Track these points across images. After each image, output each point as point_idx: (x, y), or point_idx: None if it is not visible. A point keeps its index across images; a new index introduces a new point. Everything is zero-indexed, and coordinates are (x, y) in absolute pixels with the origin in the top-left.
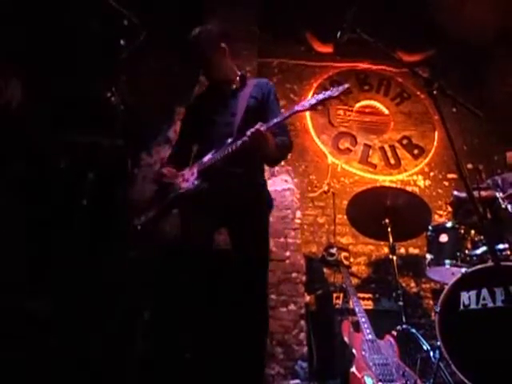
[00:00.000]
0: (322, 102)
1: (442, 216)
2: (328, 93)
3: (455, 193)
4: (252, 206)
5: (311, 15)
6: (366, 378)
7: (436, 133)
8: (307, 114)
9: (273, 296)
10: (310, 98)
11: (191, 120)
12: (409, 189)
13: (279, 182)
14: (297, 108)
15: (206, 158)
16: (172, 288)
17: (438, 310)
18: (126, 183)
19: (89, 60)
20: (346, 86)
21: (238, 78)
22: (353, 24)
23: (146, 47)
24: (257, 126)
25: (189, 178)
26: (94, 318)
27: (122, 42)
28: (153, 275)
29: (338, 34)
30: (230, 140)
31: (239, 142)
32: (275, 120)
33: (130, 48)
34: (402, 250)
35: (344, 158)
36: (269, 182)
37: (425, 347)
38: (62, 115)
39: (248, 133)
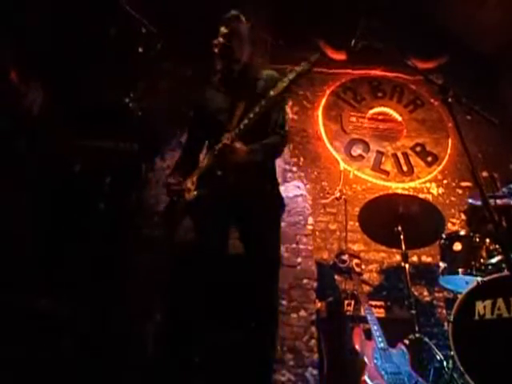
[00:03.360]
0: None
1: (455, 224)
2: (299, 68)
3: (470, 201)
4: (257, 207)
5: (324, 22)
6: None
7: (450, 140)
8: (320, 120)
9: (284, 302)
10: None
11: (199, 117)
12: (422, 196)
13: (291, 188)
14: (272, 93)
15: (202, 164)
16: (183, 290)
17: (451, 319)
18: (140, 187)
19: (107, 66)
20: (316, 55)
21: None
22: (366, 31)
23: (161, 53)
24: (224, 141)
25: (190, 188)
26: (106, 319)
27: (140, 49)
28: (165, 277)
29: (352, 41)
30: (220, 144)
31: (219, 145)
32: (242, 126)
33: (147, 55)
34: (415, 258)
35: (356, 164)
36: (281, 188)
37: (438, 357)
38: (81, 120)
39: (216, 147)
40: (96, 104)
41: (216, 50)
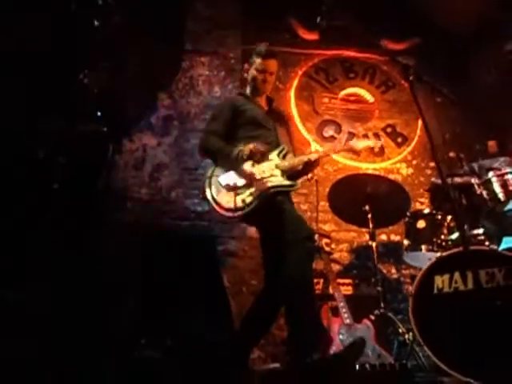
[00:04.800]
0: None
1: (423, 204)
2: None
3: (433, 179)
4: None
5: (296, 2)
6: None
7: (419, 121)
8: (292, 101)
9: (253, 281)
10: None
11: (235, 116)
12: (392, 177)
13: None
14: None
15: (280, 161)
16: (157, 274)
17: (412, 293)
18: (108, 170)
19: (62, 41)
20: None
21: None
22: (333, 9)
23: (128, 33)
24: (324, 153)
25: (275, 175)
26: (74, 307)
27: (96, 22)
28: (137, 262)
29: (318, 18)
30: (284, 148)
31: (310, 157)
32: (322, 153)
33: (104, 29)
34: (384, 237)
35: (328, 145)
36: None
37: (400, 330)
38: (36, 100)
39: (315, 156)
40: (51, 82)
41: (249, 79)
